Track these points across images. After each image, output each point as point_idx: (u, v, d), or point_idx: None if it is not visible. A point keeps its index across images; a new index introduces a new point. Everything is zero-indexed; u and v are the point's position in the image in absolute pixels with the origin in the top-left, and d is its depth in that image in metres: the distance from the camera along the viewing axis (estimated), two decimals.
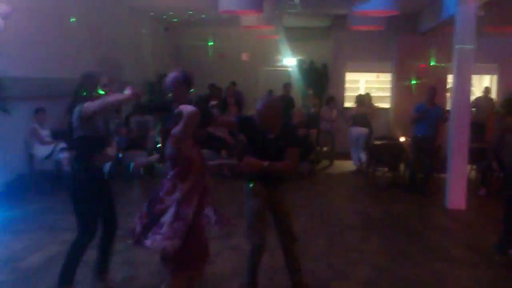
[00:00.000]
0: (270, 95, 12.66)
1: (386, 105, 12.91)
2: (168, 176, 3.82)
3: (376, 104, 11.71)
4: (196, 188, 3.84)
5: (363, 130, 10.72)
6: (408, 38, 12.33)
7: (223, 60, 14.08)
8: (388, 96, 13.31)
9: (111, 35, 10.65)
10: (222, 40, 13.85)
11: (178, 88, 4.17)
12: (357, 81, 14.16)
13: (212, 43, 12.87)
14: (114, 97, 4.20)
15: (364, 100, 11.09)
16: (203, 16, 12.10)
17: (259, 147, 4.13)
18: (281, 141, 4.10)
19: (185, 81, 4.21)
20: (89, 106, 4.04)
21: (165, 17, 13.34)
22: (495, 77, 13.64)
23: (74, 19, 8.85)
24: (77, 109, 4.10)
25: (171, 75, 4.19)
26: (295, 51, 14.05)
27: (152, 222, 3.72)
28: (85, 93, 4.15)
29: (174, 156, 3.78)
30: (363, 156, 10.51)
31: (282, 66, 14.62)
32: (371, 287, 4.73)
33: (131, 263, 5.15)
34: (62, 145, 8.54)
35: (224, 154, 9.55)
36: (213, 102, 10.89)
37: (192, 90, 4.38)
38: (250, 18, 10.54)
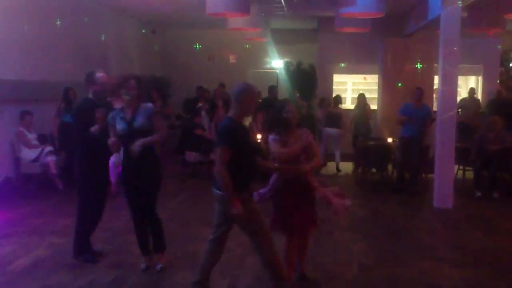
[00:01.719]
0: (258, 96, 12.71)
1: (373, 106, 12.99)
2: None
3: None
4: None
5: (335, 131, 10.78)
6: (394, 40, 12.42)
7: (211, 62, 14.07)
8: (375, 98, 13.40)
9: (97, 38, 10.60)
10: (210, 42, 13.83)
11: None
12: (344, 83, 14.24)
13: (199, 46, 12.84)
14: None
15: (339, 100, 11.21)
16: (191, 18, 12.08)
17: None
18: None
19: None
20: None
21: (152, 19, 13.32)
22: (480, 78, 13.78)
23: (59, 22, 8.80)
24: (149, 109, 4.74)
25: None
26: (282, 53, 14.08)
27: None
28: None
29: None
30: (338, 156, 10.61)
31: (270, 68, 14.65)
32: (359, 287, 4.75)
33: (120, 265, 5.13)
34: (49, 148, 8.49)
35: (212, 156, 9.53)
36: (201, 104, 10.94)
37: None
38: (237, 20, 10.54)
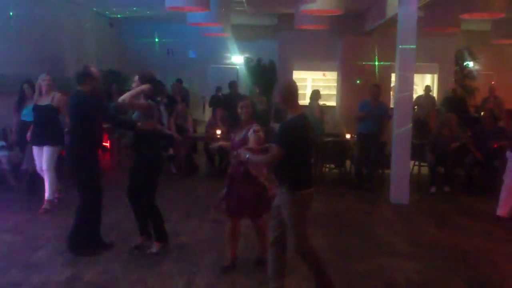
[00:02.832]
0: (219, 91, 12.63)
1: (332, 103, 13.14)
2: None
3: (323, 102, 11.81)
4: None
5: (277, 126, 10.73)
6: (353, 37, 12.59)
7: (170, 57, 13.91)
8: (334, 94, 13.56)
9: (52, 30, 10.30)
10: (169, 37, 13.67)
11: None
12: (304, 79, 14.34)
13: (158, 40, 12.67)
14: None
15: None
16: (149, 12, 11.89)
17: None
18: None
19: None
20: None
21: (109, 12, 13.04)
22: (436, 76, 14.13)
23: (12, 13, 8.49)
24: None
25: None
26: (243, 49, 14.06)
27: None
28: None
29: None
30: None
31: (230, 64, 14.60)
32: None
33: (75, 263, 5.00)
34: (1, 143, 8.20)
35: (171, 152, 9.42)
36: (159, 99, 10.76)
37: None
38: (197, 15, 10.43)
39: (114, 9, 12.39)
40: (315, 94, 10.61)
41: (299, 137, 4.07)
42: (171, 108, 9.86)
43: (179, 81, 12.38)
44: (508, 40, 11.96)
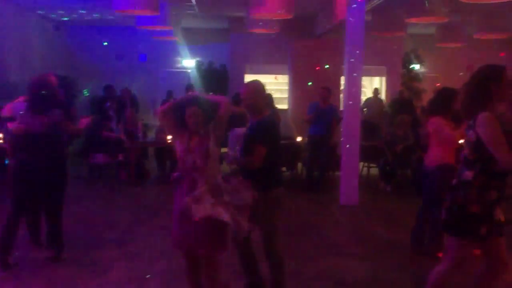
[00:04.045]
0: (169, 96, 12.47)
1: (284, 106, 13.23)
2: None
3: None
4: None
5: (240, 131, 10.68)
6: (304, 41, 12.73)
7: (119, 61, 13.65)
8: (286, 97, 13.67)
9: None
10: (118, 40, 13.42)
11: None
12: None
13: (107, 43, 12.42)
14: None
15: (239, 99, 11.11)
16: (97, 15, 11.63)
17: None
18: (250, 132, 4.11)
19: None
20: None
21: (55, 15, 12.67)
22: (384, 79, 14.47)
23: None
24: None
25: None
26: (194, 52, 13.97)
27: None
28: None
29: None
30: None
31: (181, 68, 14.47)
32: (266, 285, 4.77)
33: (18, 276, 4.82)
34: None
35: (121, 157, 9.24)
36: (109, 104, 10.55)
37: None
38: (147, 18, 10.31)
39: (60, 12, 12.04)
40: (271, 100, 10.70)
41: (275, 135, 4.18)
42: (121, 113, 9.68)
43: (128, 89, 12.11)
44: (452, 43, 12.39)
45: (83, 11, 11.49)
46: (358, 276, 5.03)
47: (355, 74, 7.97)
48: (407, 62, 14.77)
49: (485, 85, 3.39)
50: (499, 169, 3.32)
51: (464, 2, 7.65)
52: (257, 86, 4.20)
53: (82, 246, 5.64)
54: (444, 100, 5.36)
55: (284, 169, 9.75)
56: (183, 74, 14.20)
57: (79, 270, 4.98)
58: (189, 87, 11.26)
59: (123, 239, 5.83)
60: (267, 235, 4.17)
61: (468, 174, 3.38)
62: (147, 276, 4.85)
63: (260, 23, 10.59)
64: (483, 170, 3.34)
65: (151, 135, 10.10)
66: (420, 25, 11.50)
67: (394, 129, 9.23)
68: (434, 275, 3.67)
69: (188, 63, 14.22)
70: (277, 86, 14.27)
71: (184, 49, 13.68)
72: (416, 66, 14.85)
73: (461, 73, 14.29)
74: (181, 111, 3.78)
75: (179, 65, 14.50)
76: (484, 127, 3.28)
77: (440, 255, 5.27)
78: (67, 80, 12.63)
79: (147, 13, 9.16)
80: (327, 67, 12.11)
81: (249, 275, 4.43)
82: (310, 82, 12.18)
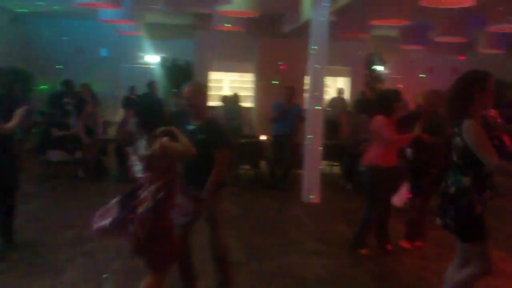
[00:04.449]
0: (132, 91, 12.27)
1: (248, 104, 13.20)
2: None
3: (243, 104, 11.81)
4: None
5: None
6: (270, 39, 12.73)
7: (80, 55, 13.33)
8: (251, 96, 13.64)
9: None
10: (79, 34, 13.10)
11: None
12: (221, 81, 14.31)
13: (67, 37, 12.09)
14: None
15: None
16: (57, 7, 11.31)
17: None
18: (201, 135, 3.97)
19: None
20: None
21: (12, 7, 12.24)
22: (348, 79, 14.62)
23: None
24: None
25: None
26: (158, 48, 13.76)
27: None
28: None
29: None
30: None
31: (145, 63, 14.23)
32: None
33: None
34: None
35: (79, 155, 9.01)
36: (67, 99, 10.30)
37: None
38: (109, 12, 10.07)
39: (18, 3, 11.64)
40: (237, 98, 10.71)
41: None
42: (80, 109, 9.43)
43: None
44: (414, 46, 12.60)
45: (42, 3, 11.13)
46: (318, 273, 5.06)
47: (319, 74, 8.01)
48: (370, 63, 14.97)
49: (469, 91, 3.44)
50: (488, 171, 3.42)
51: (425, 6, 7.76)
52: (201, 87, 4.20)
53: (37, 246, 5.48)
54: (386, 101, 5.44)
55: (247, 167, 9.74)
56: (146, 70, 13.97)
57: (32, 270, 4.82)
58: (151, 84, 11.08)
59: (79, 239, 5.68)
60: (221, 233, 4.24)
61: (465, 180, 3.45)
62: (104, 276, 4.73)
63: (226, 21, 10.50)
64: (477, 174, 3.43)
65: (112, 131, 9.89)
66: (383, 27, 11.63)
67: (355, 129, 9.31)
68: (464, 277, 3.67)
69: (152, 58, 14.00)
70: (242, 84, 14.22)
71: (148, 45, 13.46)
72: (379, 68, 15.05)
73: (422, 75, 14.65)
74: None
75: (142, 61, 14.25)
76: (469, 134, 3.36)
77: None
78: (24, 74, 12.26)
79: (109, 6, 8.95)
80: (292, 66, 12.13)
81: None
82: (275, 81, 12.19)
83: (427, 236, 5.99)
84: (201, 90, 4.14)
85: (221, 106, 11.22)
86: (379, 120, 5.34)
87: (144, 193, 3.49)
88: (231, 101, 10.87)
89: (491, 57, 13.38)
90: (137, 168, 3.56)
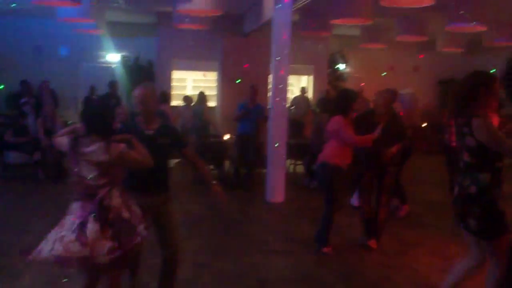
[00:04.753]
0: (92, 90, 12.02)
1: (213, 103, 13.13)
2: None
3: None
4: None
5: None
6: (233, 38, 12.68)
7: (38, 54, 12.96)
8: (215, 95, 13.57)
9: None
10: (37, 33, 12.73)
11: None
12: (184, 80, 14.18)
13: (24, 36, 11.71)
14: None
15: (166, 97, 10.76)
16: (14, 5, 10.95)
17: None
18: (163, 138, 3.88)
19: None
20: None
21: None
22: (311, 78, 14.70)
23: None
24: None
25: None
26: (119, 47, 13.51)
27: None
28: None
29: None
30: None
31: (106, 62, 13.94)
32: (191, 286, 4.69)
33: None
34: None
35: (38, 156, 8.78)
36: (25, 100, 10.01)
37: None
38: (68, 10, 9.82)
39: None
40: (204, 97, 10.62)
41: None
42: (39, 110, 9.19)
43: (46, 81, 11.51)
44: (375, 45, 12.78)
45: None
46: (281, 273, 5.06)
47: (282, 73, 8.02)
48: (333, 62, 15.09)
49: (476, 91, 3.49)
50: (501, 165, 3.48)
51: (386, 5, 7.87)
52: (153, 90, 4.06)
53: None
54: (344, 101, 5.50)
55: (211, 167, 9.68)
56: (107, 69, 13.69)
57: None
58: (112, 83, 10.88)
59: (38, 242, 5.50)
60: (177, 236, 4.13)
61: (484, 178, 3.46)
62: (64, 280, 4.61)
63: (188, 19, 10.39)
64: (494, 170, 3.47)
65: None
66: (345, 26, 11.76)
67: (318, 128, 9.37)
68: (491, 283, 3.62)
69: (113, 57, 13.73)
70: (205, 83, 14.13)
71: (109, 43, 13.19)
72: (342, 66, 15.20)
73: (383, 74, 14.87)
74: None
75: (103, 60, 13.95)
76: (482, 131, 3.38)
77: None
78: None
79: (68, 4, 8.73)
80: (256, 65, 12.13)
81: None
82: (239, 79, 12.16)
83: (388, 233, 6.08)
84: (153, 93, 4.03)
85: (187, 106, 11.12)
86: (337, 121, 5.39)
87: (111, 201, 3.42)
88: (198, 100, 10.78)
89: (450, 56, 13.75)
90: (89, 174, 3.42)
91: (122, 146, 3.40)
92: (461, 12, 8.95)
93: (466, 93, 3.55)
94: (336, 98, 5.80)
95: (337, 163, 5.40)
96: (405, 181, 7.38)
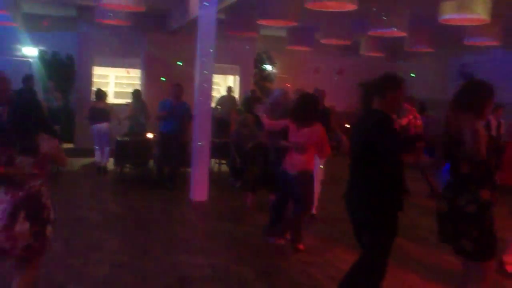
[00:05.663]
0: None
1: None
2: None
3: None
4: None
5: (103, 125, 10.04)
6: (157, 35, 12.47)
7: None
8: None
9: None
10: None
11: None
12: (106, 76, 13.74)
13: None
14: None
15: (103, 94, 10.41)
16: None
17: None
18: None
19: None
20: None
21: None
22: (237, 77, 14.74)
23: None
24: None
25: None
26: (37, 40, 12.86)
27: None
28: None
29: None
30: (107, 152, 9.90)
31: (22, 56, 13.22)
32: (109, 286, 4.53)
33: None
34: None
35: None
36: None
37: None
38: None
39: None
40: (140, 95, 10.37)
41: None
42: None
43: None
44: (301, 47, 12.99)
45: None
46: (203, 272, 5.00)
47: (206, 72, 7.96)
48: (259, 62, 15.21)
49: (478, 101, 3.44)
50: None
51: (311, 8, 8.00)
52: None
53: None
54: (309, 106, 5.50)
55: (133, 166, 9.48)
56: (24, 63, 12.98)
57: None
58: (27, 78, 10.33)
59: None
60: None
61: (483, 194, 3.26)
62: None
63: (111, 14, 10.06)
64: (493, 183, 3.36)
65: None
66: (272, 27, 11.86)
67: (240, 128, 9.40)
68: None
69: (31, 51, 13.05)
70: (129, 80, 13.78)
71: (25, 37, 12.52)
72: (268, 67, 15.36)
73: (308, 75, 15.19)
74: None
75: (19, 54, 13.22)
76: (473, 134, 3.25)
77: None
78: None
79: None
80: (181, 63, 11.98)
81: None
82: (163, 77, 11.96)
83: (308, 231, 6.20)
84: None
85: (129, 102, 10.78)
86: (320, 131, 5.46)
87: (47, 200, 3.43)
88: (134, 98, 10.46)
89: (372, 59, 14.25)
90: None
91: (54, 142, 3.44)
92: (382, 17, 9.30)
93: (470, 103, 3.44)
94: (308, 105, 5.49)
95: (312, 168, 5.57)
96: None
